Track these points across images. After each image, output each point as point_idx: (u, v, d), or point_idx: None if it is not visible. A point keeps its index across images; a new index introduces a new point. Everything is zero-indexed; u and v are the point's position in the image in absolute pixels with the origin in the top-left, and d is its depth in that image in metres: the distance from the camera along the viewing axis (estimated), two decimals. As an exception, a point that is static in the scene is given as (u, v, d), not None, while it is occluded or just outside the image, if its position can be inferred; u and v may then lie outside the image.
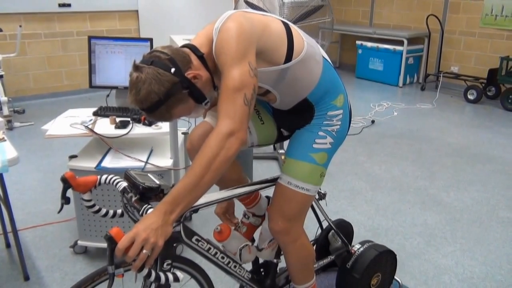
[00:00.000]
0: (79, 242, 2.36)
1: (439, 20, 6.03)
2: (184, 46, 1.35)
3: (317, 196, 1.86)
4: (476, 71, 5.92)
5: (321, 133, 1.54)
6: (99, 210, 1.41)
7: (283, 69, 1.40)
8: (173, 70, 1.23)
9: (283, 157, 1.74)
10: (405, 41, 6.13)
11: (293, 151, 1.57)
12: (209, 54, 1.34)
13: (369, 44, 6.64)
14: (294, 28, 1.45)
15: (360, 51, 6.82)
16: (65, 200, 1.36)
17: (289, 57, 1.40)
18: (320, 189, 1.87)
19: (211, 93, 1.38)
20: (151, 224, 1.11)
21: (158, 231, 1.11)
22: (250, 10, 1.40)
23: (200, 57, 1.33)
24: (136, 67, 1.24)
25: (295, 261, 1.65)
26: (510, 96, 5.21)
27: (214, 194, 1.48)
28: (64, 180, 1.33)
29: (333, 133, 1.55)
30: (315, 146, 1.54)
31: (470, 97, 5.60)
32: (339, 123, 1.57)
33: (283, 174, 1.55)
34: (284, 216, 1.53)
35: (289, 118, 1.62)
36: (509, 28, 5.52)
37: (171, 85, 1.22)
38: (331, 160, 1.61)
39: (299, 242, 1.60)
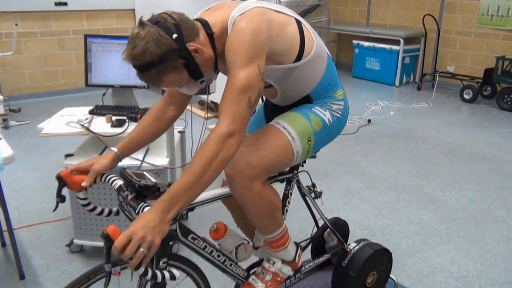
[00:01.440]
0: (75, 241, 2.36)
1: (435, 20, 6.05)
2: (197, 20, 1.33)
3: (313, 195, 1.86)
4: (472, 70, 5.94)
5: (322, 106, 1.55)
6: (95, 208, 1.41)
7: (291, 68, 1.41)
8: (174, 36, 1.21)
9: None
10: (402, 41, 6.14)
11: (293, 109, 1.56)
12: (219, 36, 1.31)
13: (365, 43, 6.65)
14: (305, 26, 1.44)
15: (356, 50, 6.83)
16: (60, 198, 1.35)
17: (299, 57, 1.40)
18: (316, 187, 1.87)
19: (211, 74, 1.35)
20: (148, 222, 1.11)
21: (155, 229, 1.11)
22: (268, 5, 1.35)
23: (210, 35, 1.30)
24: (140, 23, 1.21)
25: (254, 211, 1.47)
26: (506, 96, 5.24)
27: (211, 192, 1.48)
28: (59, 178, 1.33)
29: (333, 113, 1.55)
30: (314, 109, 1.53)
31: (466, 96, 5.62)
32: (340, 112, 1.57)
33: (275, 119, 1.52)
34: (251, 155, 1.38)
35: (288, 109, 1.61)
36: (505, 28, 5.54)
37: (168, 50, 1.20)
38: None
39: (256, 192, 1.41)
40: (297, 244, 1.72)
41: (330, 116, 1.54)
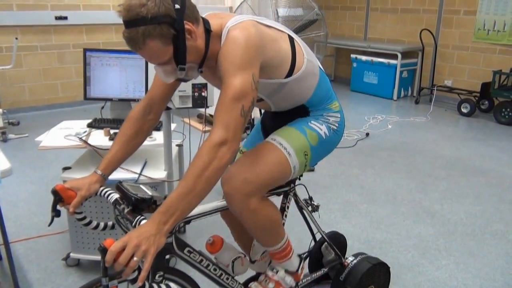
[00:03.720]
0: (71, 254, 2.34)
1: (432, 35, 6.10)
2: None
3: (310, 208, 1.86)
4: (469, 84, 5.98)
5: (319, 120, 1.56)
6: (90, 222, 1.41)
7: (282, 83, 1.43)
8: (177, 6, 1.18)
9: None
10: (399, 55, 6.19)
11: (289, 124, 1.57)
12: (214, 38, 1.31)
13: (363, 57, 6.70)
14: (297, 43, 1.46)
15: (355, 64, 6.88)
16: (56, 213, 1.35)
17: (290, 73, 1.42)
18: (313, 200, 1.88)
19: (193, 70, 1.32)
20: (144, 232, 1.11)
21: (150, 239, 1.10)
22: (261, 20, 1.38)
23: (208, 31, 1.30)
24: None
25: (254, 226, 1.48)
26: (503, 110, 5.26)
27: (207, 205, 1.48)
28: (55, 192, 1.33)
29: (330, 127, 1.56)
30: (310, 124, 1.54)
31: (464, 110, 5.64)
32: (336, 124, 1.58)
33: (271, 135, 1.53)
34: (248, 171, 1.39)
35: (284, 121, 1.62)
36: (501, 42, 5.59)
37: (164, 13, 1.16)
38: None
39: (254, 208, 1.41)
40: (300, 256, 1.75)
41: (326, 129, 1.55)
